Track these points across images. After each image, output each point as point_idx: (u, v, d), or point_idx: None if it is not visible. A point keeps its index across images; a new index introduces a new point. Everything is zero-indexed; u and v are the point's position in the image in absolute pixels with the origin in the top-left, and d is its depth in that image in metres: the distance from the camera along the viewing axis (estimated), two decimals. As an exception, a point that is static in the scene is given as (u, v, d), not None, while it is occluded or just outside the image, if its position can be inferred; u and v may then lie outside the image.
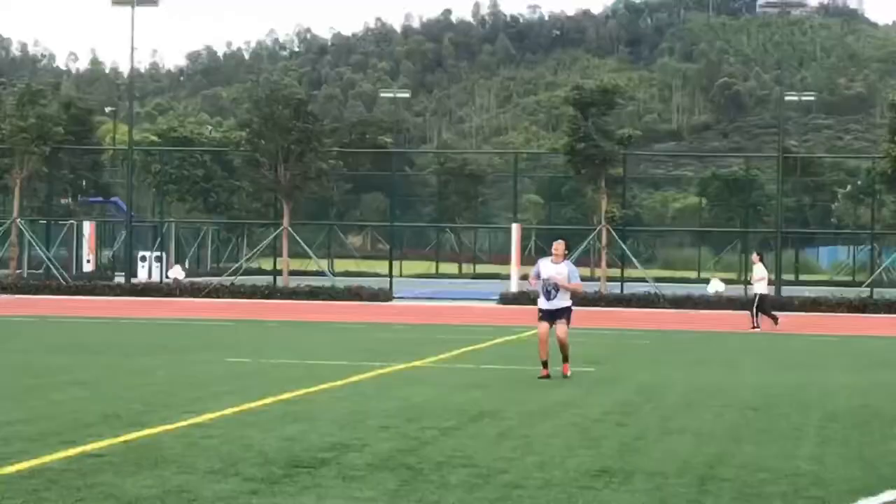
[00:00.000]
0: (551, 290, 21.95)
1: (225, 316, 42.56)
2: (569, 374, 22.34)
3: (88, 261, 70.25)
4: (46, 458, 12.71)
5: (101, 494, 10.96)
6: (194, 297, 55.43)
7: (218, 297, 54.88)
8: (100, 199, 77.69)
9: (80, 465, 12.43)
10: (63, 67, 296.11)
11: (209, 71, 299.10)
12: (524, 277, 60.29)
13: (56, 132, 60.91)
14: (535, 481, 12.05)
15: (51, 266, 63.38)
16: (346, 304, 52.57)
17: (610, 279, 60.48)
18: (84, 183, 73.29)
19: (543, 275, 22.02)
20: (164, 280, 64.91)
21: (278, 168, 59.34)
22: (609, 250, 60.71)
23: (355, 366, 23.84)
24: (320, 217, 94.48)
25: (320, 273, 68.14)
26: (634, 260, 64.17)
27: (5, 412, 16.26)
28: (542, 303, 22.22)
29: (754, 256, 41.47)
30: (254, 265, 74.92)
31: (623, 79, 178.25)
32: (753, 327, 39.77)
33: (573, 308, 22.45)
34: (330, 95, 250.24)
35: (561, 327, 21.99)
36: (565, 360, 22.40)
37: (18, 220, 61.44)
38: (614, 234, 59.67)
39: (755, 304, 40.55)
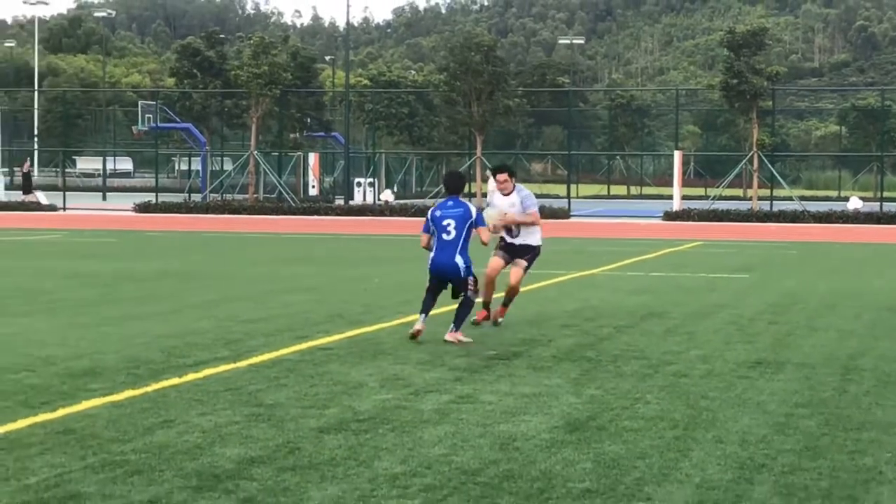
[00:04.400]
0: (512, 226, 15.52)
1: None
2: (502, 320, 15.63)
3: (313, 186, 71.02)
4: (283, 351, 12.96)
5: (331, 381, 11.14)
6: (402, 216, 55.79)
7: (421, 216, 55.16)
8: (322, 133, 78.28)
9: (311, 356, 12.64)
10: (289, 23, 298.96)
11: (412, 23, 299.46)
12: (685, 198, 59.94)
13: (285, 78, 61.51)
14: (699, 371, 11.97)
15: (282, 191, 64.27)
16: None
17: (761, 198, 59.55)
18: (309, 120, 73.90)
19: (501, 208, 15.45)
20: (377, 202, 65.41)
21: (471, 105, 59.36)
22: (759, 173, 59.71)
23: (539, 273, 23.74)
24: (507, 147, 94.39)
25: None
26: (782, 181, 63.07)
27: (249, 312, 16.59)
28: (505, 235, 15.78)
29: None
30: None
31: (771, 23, 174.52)
32: None
33: (539, 252, 15.89)
34: (514, 43, 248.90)
35: (517, 271, 15.46)
36: (506, 303, 15.63)
37: (255, 151, 62.36)
38: (764, 159, 58.63)
39: None
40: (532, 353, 13.01)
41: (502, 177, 15.64)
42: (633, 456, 8.28)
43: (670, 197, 61.47)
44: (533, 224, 15.60)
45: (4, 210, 56.35)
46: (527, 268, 15.64)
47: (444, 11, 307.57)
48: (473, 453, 8.30)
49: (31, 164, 73.08)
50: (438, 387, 10.88)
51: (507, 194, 15.52)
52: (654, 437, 8.88)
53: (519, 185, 15.65)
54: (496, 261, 15.59)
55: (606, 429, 9.17)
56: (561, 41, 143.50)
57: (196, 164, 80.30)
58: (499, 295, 15.48)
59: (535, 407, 9.99)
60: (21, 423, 9.08)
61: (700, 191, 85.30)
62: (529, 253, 15.64)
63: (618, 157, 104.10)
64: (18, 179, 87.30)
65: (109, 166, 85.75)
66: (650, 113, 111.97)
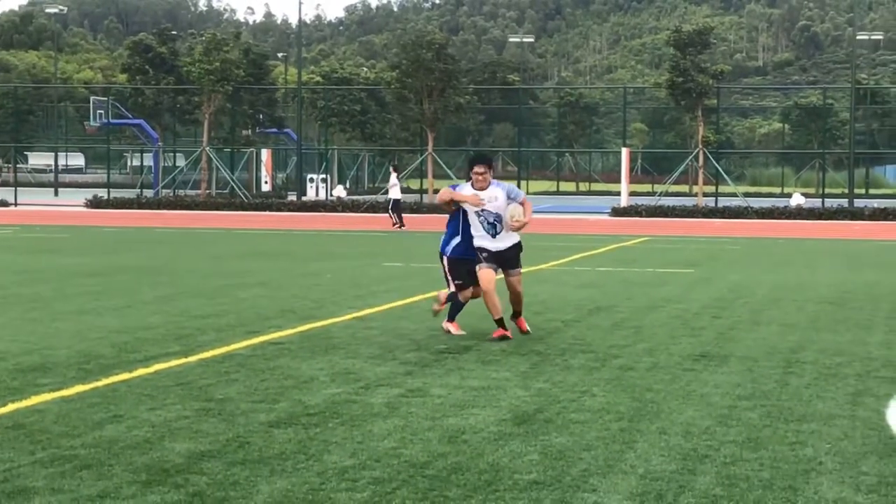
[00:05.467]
0: (495, 223, 13.70)
1: (379, 228, 42.78)
2: (528, 329, 14.19)
3: (266, 182, 70.85)
4: (235, 346, 12.90)
5: (282, 375, 11.11)
6: (354, 212, 55.73)
7: (374, 213, 55.13)
8: (274, 130, 78.13)
9: (263, 351, 12.60)
10: (242, 20, 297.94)
11: (364, 21, 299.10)
12: (633, 194, 60.12)
13: (237, 74, 61.37)
14: (644, 364, 12.01)
15: (234, 187, 64.04)
16: (481, 217, 52.49)
17: (706, 195, 59.94)
18: (261, 117, 73.74)
19: (475, 206, 13.72)
20: (329, 198, 65.29)
21: (423, 103, 59.51)
22: (705, 170, 60.06)
23: (490, 268, 23.84)
24: (459, 144, 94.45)
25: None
26: (727, 178, 63.51)
27: (200, 307, 16.51)
28: (481, 241, 13.80)
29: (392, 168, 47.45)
30: (403, 185, 75.10)
31: (716, 22, 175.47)
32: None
33: (521, 246, 14.16)
34: (465, 41, 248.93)
35: (515, 277, 13.99)
36: (519, 313, 14.22)
37: (207, 148, 62.09)
38: (709, 156, 59.01)
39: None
40: (481, 347, 13.02)
41: (480, 168, 13.66)
42: (580, 448, 8.30)
43: (618, 193, 61.79)
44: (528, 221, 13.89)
45: (-44, 206, 55.86)
46: (520, 270, 14.20)
47: (395, 9, 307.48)
48: (422, 446, 8.29)
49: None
50: (389, 381, 10.86)
51: (483, 188, 13.63)
52: (599, 429, 8.91)
53: (494, 179, 13.80)
54: (488, 273, 13.77)
55: (553, 421, 9.19)
56: (511, 39, 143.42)
57: (148, 160, 79.94)
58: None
59: (484, 400, 9.99)
60: (-29, 419, 9.00)
61: (647, 187, 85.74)
62: (518, 254, 14.08)
63: (567, 154, 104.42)
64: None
65: (61, 162, 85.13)
66: (598, 111, 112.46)
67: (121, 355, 12.13)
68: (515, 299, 14.11)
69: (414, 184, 72.46)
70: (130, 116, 73.78)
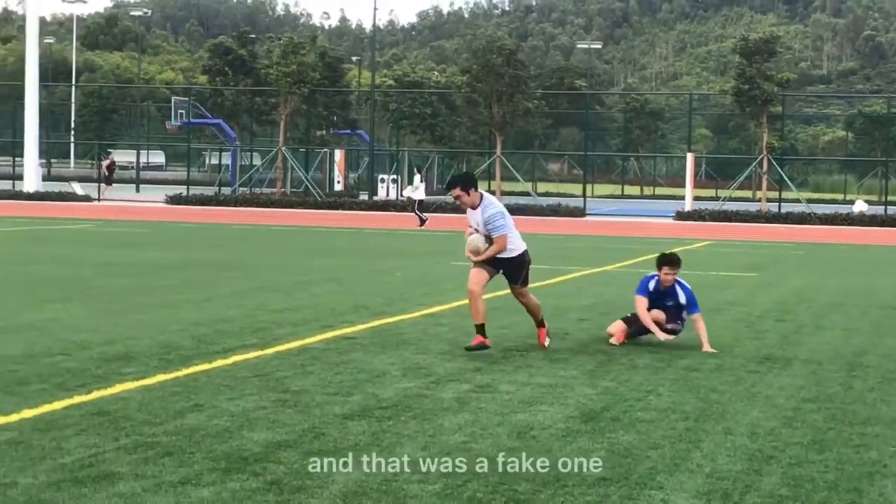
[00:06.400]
0: (487, 240, 12.63)
1: (449, 227, 42.81)
2: (548, 343, 13.02)
3: (338, 181, 71.06)
4: (309, 339, 12.96)
5: (355, 369, 11.15)
6: (423, 211, 55.77)
7: (443, 212, 55.14)
8: (348, 131, 78.29)
9: (336, 345, 12.64)
10: (318, 24, 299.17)
11: (435, 26, 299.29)
12: (697, 199, 59.79)
13: (313, 77, 61.54)
14: (709, 365, 11.93)
15: (308, 186, 64.31)
16: (547, 218, 52.41)
17: (769, 200, 59.45)
18: (335, 118, 73.92)
19: (472, 224, 12.84)
20: (399, 198, 65.41)
21: (492, 106, 59.40)
22: (768, 176, 59.56)
23: (556, 269, 23.80)
24: (526, 147, 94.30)
25: (525, 193, 68.08)
26: (790, 184, 62.88)
27: (276, 302, 16.59)
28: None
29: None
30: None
31: (781, 31, 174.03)
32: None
33: (527, 260, 13.01)
34: (534, 47, 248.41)
35: (517, 290, 12.94)
36: (539, 322, 13.16)
37: (283, 147, 62.41)
38: (773, 162, 58.46)
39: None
40: (549, 346, 12.98)
41: (454, 192, 12.59)
42: (646, 446, 8.26)
43: (682, 197, 61.32)
44: (496, 253, 12.57)
45: (42, 200, 56.49)
46: (526, 282, 12.92)
47: (466, 15, 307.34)
48: (492, 441, 8.29)
49: (113, 159, 74.27)
50: (458, 376, 10.87)
51: (475, 207, 12.61)
52: (665, 428, 8.86)
53: (488, 198, 12.63)
54: (478, 274, 12.57)
55: (620, 419, 9.15)
56: (579, 46, 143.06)
57: (226, 159, 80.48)
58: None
59: (552, 397, 9.97)
60: (57, 405, 9.10)
61: (711, 192, 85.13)
62: (521, 270, 12.86)
63: (632, 158, 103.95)
64: (57, 170, 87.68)
65: (143, 159, 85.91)
66: (664, 116, 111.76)
67: (200, 347, 12.22)
68: (531, 311, 13.06)
69: (482, 186, 72.41)
70: (210, 116, 74.28)
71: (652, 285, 13.58)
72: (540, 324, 13.10)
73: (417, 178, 46.93)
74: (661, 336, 13.23)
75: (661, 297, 13.46)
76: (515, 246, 12.73)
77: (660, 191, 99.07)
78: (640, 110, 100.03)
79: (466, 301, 15.41)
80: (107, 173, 67.93)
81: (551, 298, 18.14)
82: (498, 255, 12.57)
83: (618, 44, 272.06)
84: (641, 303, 13.43)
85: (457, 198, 12.60)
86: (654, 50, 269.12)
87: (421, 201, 45.47)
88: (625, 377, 11.07)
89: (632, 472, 7.53)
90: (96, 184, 62.97)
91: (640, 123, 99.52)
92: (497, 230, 12.46)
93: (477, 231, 12.66)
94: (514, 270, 12.81)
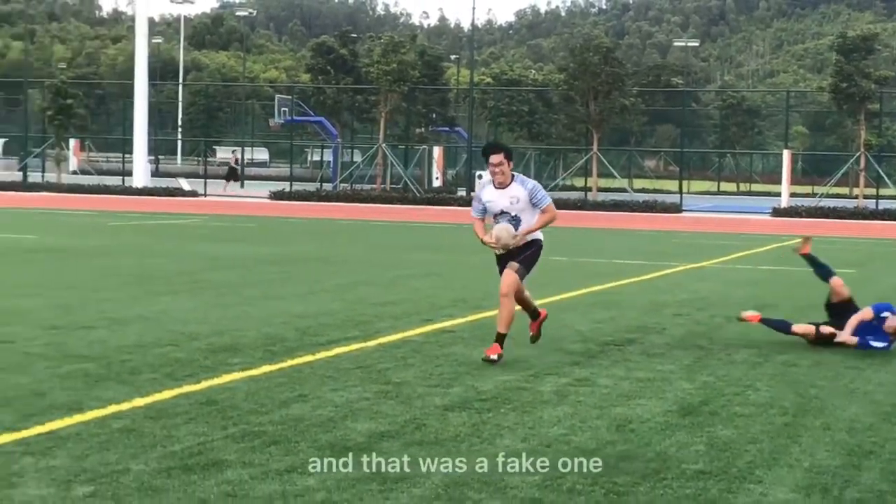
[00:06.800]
0: (514, 225, 11.26)
1: (546, 223, 42.66)
2: (538, 332, 12.05)
3: (437, 178, 71.20)
4: (410, 332, 13.01)
5: (455, 361, 11.17)
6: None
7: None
8: (446, 128, 78.51)
9: (436, 338, 12.69)
10: (417, 23, 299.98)
11: (533, 25, 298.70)
12: (793, 195, 59.00)
13: (413, 75, 61.76)
14: (807, 361, 11.79)
15: (408, 182, 64.54)
16: (643, 214, 52.11)
17: (866, 197, 58.57)
18: (434, 116, 74.14)
19: (494, 208, 11.32)
20: (497, 194, 65.38)
21: (589, 104, 59.18)
22: (866, 173, 58.69)
23: (652, 265, 23.67)
24: (622, 144, 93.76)
25: (622, 190, 67.75)
26: (888, 181, 61.87)
27: (377, 295, 16.67)
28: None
29: None
30: (567, 183, 75.02)
31: (879, 29, 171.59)
32: None
33: (541, 245, 11.58)
34: (630, 45, 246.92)
35: (509, 275, 11.30)
36: (531, 313, 12.00)
37: (383, 144, 62.70)
38: (871, 159, 57.63)
39: None
40: (646, 341, 12.92)
41: (497, 158, 11.09)
42: (745, 440, 8.19)
43: (778, 194, 60.66)
44: (547, 224, 11.34)
45: (150, 195, 57.30)
46: (527, 268, 11.43)
47: (563, 14, 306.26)
48: (591, 434, 8.27)
49: (238, 157, 75.84)
50: (557, 370, 10.84)
51: (504, 185, 11.23)
52: (764, 423, 8.78)
53: (519, 174, 11.39)
54: (511, 277, 11.34)
55: (718, 414, 9.08)
56: (676, 43, 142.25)
57: (328, 156, 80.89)
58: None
59: (650, 391, 9.92)
60: (167, 394, 9.23)
61: (807, 189, 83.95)
62: (528, 250, 11.38)
63: (728, 155, 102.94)
64: (164, 167, 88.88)
65: (247, 156, 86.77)
66: (760, 113, 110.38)
67: (304, 339, 12.32)
68: (521, 304, 11.68)
69: (578, 182, 72.19)
70: (312, 114, 74.79)
71: (874, 322, 12.54)
72: (531, 313, 11.92)
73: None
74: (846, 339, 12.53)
75: (869, 331, 12.53)
76: (537, 232, 11.45)
77: (756, 187, 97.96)
78: (737, 107, 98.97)
79: (561, 296, 15.40)
80: (230, 170, 70.49)
81: (647, 293, 18.06)
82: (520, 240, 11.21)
83: (714, 41, 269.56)
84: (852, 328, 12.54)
85: (497, 165, 11.07)
86: (750, 47, 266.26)
87: None
88: (722, 372, 10.98)
89: (731, 465, 7.47)
90: (202, 180, 63.73)
91: (737, 120, 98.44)
92: (544, 200, 11.23)
93: (501, 216, 11.25)
94: (524, 249, 11.32)
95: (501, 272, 11.42)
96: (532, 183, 11.23)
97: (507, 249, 11.26)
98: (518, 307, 11.55)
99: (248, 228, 34.64)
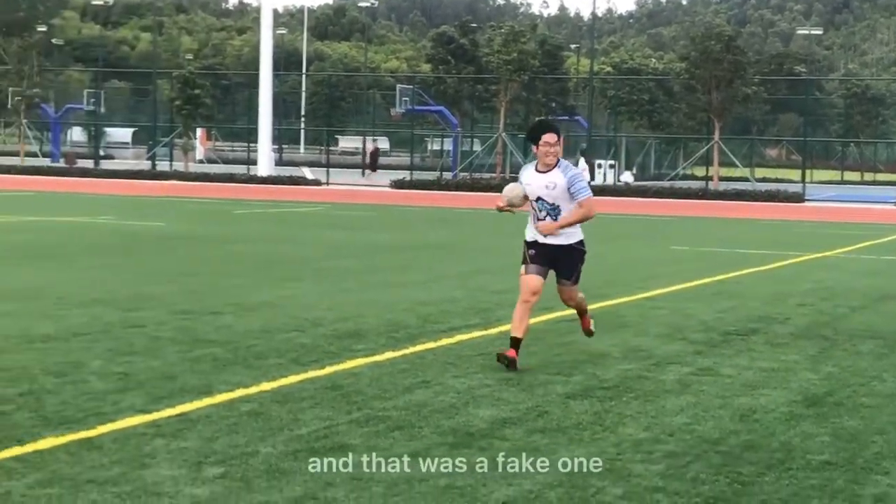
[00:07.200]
0: (544, 217, 10.29)
1: (665, 212, 42.36)
2: (592, 327, 11.17)
3: (584, 169, 71.09)
4: (530, 320, 12.92)
5: (576, 350, 11.13)
6: (641, 196, 55.32)
7: (659, 198, 54.62)
8: (566, 117, 78.23)
9: (557, 326, 12.65)
10: (537, 13, 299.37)
11: (653, 14, 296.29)
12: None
13: (533, 64, 61.69)
14: (935, 353, 11.54)
15: (527, 171, 64.42)
16: (765, 204, 51.38)
17: None
18: (554, 105, 73.94)
19: (531, 193, 10.34)
20: (617, 183, 65.04)
21: (711, 92, 58.54)
22: None
23: (774, 254, 23.35)
24: (744, 133, 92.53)
25: (743, 179, 66.92)
26: None
27: (497, 283, 16.65)
28: (534, 234, 10.47)
29: None
30: (688, 172, 74.27)
31: None
32: None
33: (584, 252, 10.48)
34: (752, 33, 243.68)
35: (567, 290, 10.51)
36: (583, 312, 11.03)
37: (503, 133, 62.70)
38: None
39: None
40: (769, 330, 12.74)
41: (552, 137, 10.01)
42: (871, 431, 8.04)
43: (903, 183, 59.48)
44: (584, 220, 10.25)
45: (274, 184, 57.95)
46: (577, 278, 10.47)
47: (684, 2, 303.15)
48: (714, 423, 8.18)
49: (377, 146, 76.92)
50: (679, 359, 10.75)
51: (548, 169, 10.15)
52: (891, 414, 8.62)
53: (564, 161, 10.21)
54: (530, 278, 10.27)
55: (844, 404, 8.93)
56: (799, 32, 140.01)
57: (448, 145, 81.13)
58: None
59: (774, 381, 9.79)
60: (293, 379, 9.34)
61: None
62: (577, 262, 10.41)
63: (852, 144, 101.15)
64: (288, 156, 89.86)
65: (368, 146, 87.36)
66: (885, 102, 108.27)
67: (426, 325, 12.37)
68: (576, 308, 10.89)
69: (699, 171, 71.46)
70: (432, 103, 75.07)
71: None
72: (584, 313, 10.98)
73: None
74: None
75: None
76: (577, 228, 10.34)
77: (880, 177, 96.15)
78: (861, 96, 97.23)
79: (683, 285, 15.26)
80: (371, 160, 72.28)
81: (770, 283, 17.83)
82: (557, 243, 10.20)
83: (838, 30, 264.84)
84: None
85: (551, 146, 10.00)
86: (875, 35, 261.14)
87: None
88: (848, 363, 10.79)
89: (857, 456, 7.35)
90: (325, 169, 64.29)
91: (861, 109, 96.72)
92: (583, 192, 10.08)
93: (540, 203, 10.26)
94: (570, 262, 10.32)
95: (531, 267, 10.25)
96: (574, 170, 10.17)
97: (510, 207, 10.44)
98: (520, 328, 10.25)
99: (370, 217, 34.88)
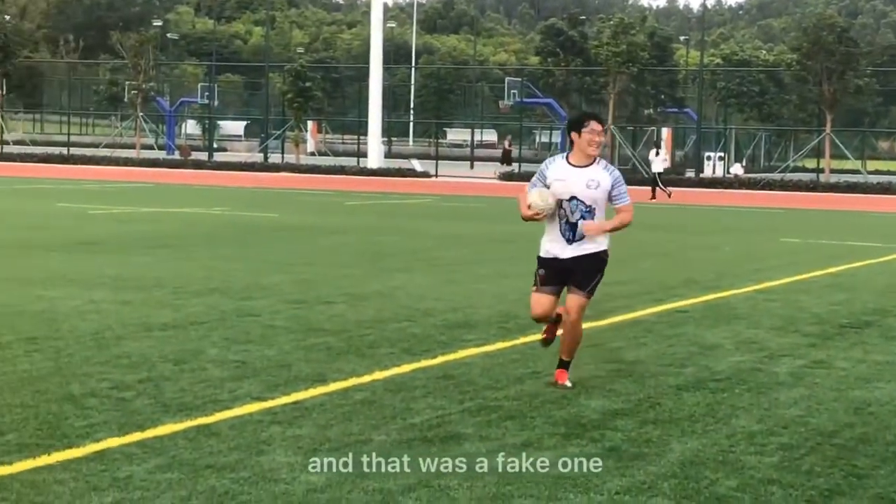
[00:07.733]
0: (578, 219, 8.80)
1: (776, 204, 41.81)
2: (567, 383, 8.82)
3: (665, 159, 70.46)
4: (641, 312, 12.92)
5: (688, 342, 11.05)
6: (751, 189, 54.69)
7: (769, 190, 53.96)
8: (675, 109, 77.71)
9: (668, 318, 12.56)
10: (646, 5, 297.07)
11: (763, 6, 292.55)
12: None
13: (642, 56, 61.35)
14: None
15: (636, 163, 64.02)
16: (879, 197, 50.48)
17: None
18: (663, 97, 73.47)
19: (562, 190, 8.77)
20: (726, 175, 64.34)
21: (822, 84, 57.68)
22: None
23: (888, 247, 22.94)
24: (856, 125, 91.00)
25: (855, 171, 65.82)
26: None
27: (608, 275, 16.42)
28: (553, 246, 8.96)
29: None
30: (799, 164, 73.24)
31: None
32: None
33: (606, 262, 9.05)
34: (864, 24, 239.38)
35: (575, 299, 8.89)
36: (567, 361, 8.99)
37: (611, 126, 62.36)
38: None
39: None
40: (883, 323, 12.53)
41: (600, 126, 8.81)
42: None
43: None
44: (623, 227, 9.10)
45: (384, 176, 58.24)
46: (592, 291, 9.01)
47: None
48: (828, 416, 8.07)
49: (510, 142, 77.23)
50: (792, 351, 10.61)
51: (587, 164, 8.82)
52: None
53: (602, 158, 8.97)
54: (542, 297, 8.99)
55: (962, 400, 8.75)
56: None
57: (556, 137, 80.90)
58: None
59: (889, 374, 9.63)
60: (405, 368, 9.38)
61: None
62: (594, 273, 8.98)
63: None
64: (397, 148, 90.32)
65: (476, 138, 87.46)
66: None
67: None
68: (567, 330, 8.94)
69: (810, 163, 70.43)
70: (541, 96, 74.91)
71: None
72: (566, 363, 9.01)
73: (662, 151, 47.51)
74: None
75: None
76: (608, 236, 9.05)
77: None
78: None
79: (795, 278, 15.05)
80: (504, 156, 73.20)
81: (883, 276, 17.54)
82: (581, 253, 8.87)
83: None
84: None
85: (598, 134, 8.76)
86: None
87: (660, 173, 45.37)
88: (965, 357, 10.57)
89: (976, 453, 7.19)
90: (433, 161, 64.46)
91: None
92: (626, 197, 8.89)
93: (571, 203, 8.78)
94: (590, 269, 8.92)
95: (544, 289, 8.96)
96: (617, 173, 8.89)
97: (544, 215, 8.80)
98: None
99: (479, 208, 34.90)
